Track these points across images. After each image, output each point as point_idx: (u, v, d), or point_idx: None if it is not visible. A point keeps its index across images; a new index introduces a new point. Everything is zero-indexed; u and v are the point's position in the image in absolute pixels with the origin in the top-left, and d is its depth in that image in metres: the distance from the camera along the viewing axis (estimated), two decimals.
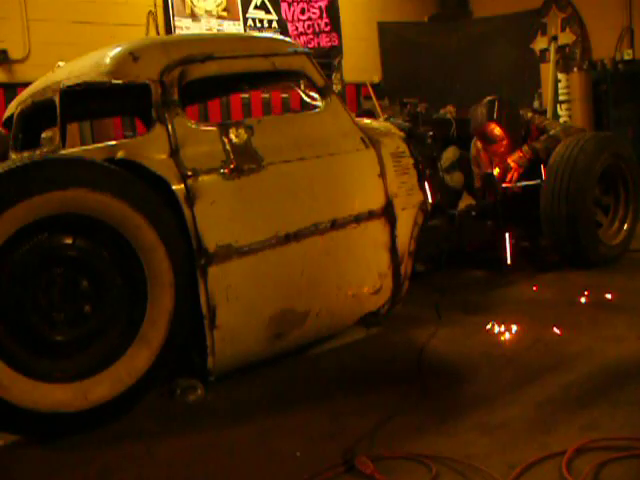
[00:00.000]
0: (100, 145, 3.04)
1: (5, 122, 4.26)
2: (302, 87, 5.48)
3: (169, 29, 8.83)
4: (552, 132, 5.08)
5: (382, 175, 3.59)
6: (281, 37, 4.00)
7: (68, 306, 2.75)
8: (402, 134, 3.89)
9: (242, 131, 3.16)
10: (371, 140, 3.62)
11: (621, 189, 4.93)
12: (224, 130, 3.13)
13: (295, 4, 9.97)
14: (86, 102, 3.99)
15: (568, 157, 4.65)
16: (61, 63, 3.73)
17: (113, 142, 3.00)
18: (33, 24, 7.86)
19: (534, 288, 4.36)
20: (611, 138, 4.95)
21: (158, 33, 8.65)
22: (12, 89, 7.38)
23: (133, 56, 3.04)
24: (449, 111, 8.04)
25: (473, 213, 5.14)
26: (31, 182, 2.58)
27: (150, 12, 8.76)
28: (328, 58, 9.73)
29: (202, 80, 3.30)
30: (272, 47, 3.48)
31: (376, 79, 10.49)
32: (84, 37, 7.79)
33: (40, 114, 3.72)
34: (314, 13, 10.15)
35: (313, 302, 3.30)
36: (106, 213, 2.73)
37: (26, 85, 3.94)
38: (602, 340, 3.31)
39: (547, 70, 9.71)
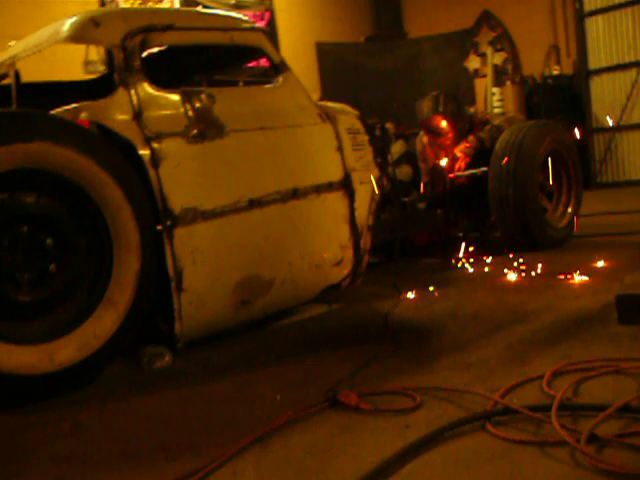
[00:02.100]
0: (61, 109, 2.99)
1: None
2: None
3: None
4: (496, 122, 5.24)
5: (340, 149, 3.64)
6: (240, 15, 4.03)
7: (32, 266, 2.67)
8: (357, 113, 3.97)
9: (204, 98, 3.17)
10: (328, 116, 3.68)
11: (563, 175, 5.10)
12: (186, 97, 3.12)
13: None
14: (36, 97, 3.92)
15: (513, 143, 4.79)
16: (12, 43, 3.67)
17: (76, 105, 2.95)
18: None
19: (489, 266, 4.44)
20: (553, 125, 5.12)
21: None
22: None
23: (94, 21, 3.02)
24: (388, 128, 8.26)
25: (423, 203, 5.24)
26: None
27: None
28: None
29: (164, 61, 3.32)
30: (231, 22, 3.52)
31: (315, 98, 10.61)
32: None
33: None
34: None
35: (278, 270, 3.29)
36: (72, 169, 2.68)
37: None
38: (561, 298, 3.40)
39: (480, 85, 10.09)
